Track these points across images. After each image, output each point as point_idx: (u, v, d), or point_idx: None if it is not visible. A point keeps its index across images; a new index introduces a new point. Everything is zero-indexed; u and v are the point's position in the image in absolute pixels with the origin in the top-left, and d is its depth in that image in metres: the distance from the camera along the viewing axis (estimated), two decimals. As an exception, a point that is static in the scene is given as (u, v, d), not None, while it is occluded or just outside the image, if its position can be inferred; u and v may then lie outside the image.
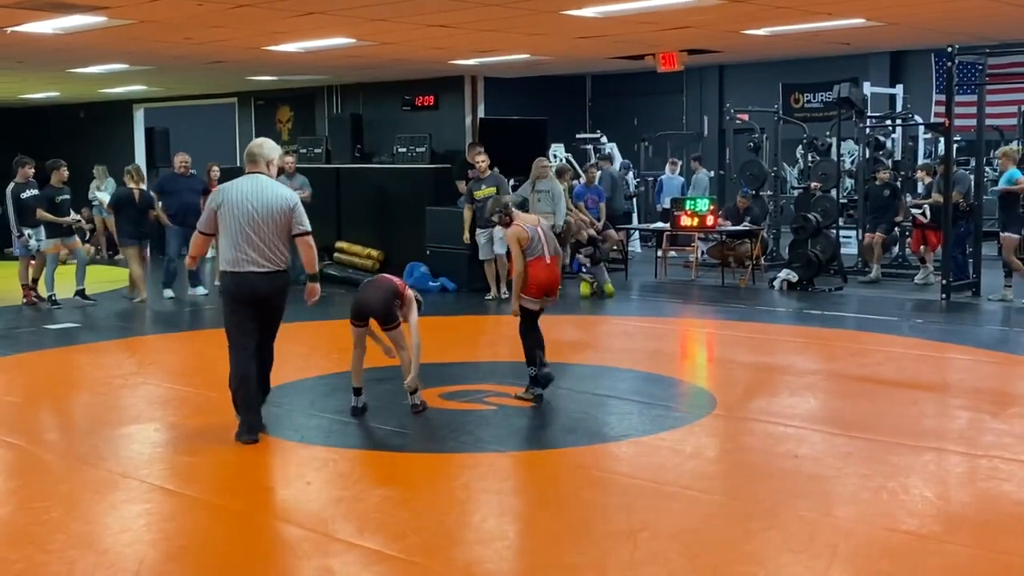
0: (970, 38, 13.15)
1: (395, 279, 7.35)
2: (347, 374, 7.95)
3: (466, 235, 13.00)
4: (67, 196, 12.65)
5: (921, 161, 16.09)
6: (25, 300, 12.66)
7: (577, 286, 13.05)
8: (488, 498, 5.60)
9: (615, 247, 15.52)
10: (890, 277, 14.20)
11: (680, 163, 19.51)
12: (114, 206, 13.57)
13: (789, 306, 12.38)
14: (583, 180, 15.49)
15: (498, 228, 7.96)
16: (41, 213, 12.28)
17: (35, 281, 12.84)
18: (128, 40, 11.94)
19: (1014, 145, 17.28)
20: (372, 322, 7.18)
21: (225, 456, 6.43)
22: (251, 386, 6.63)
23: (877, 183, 14.37)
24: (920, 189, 14.68)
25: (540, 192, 13.10)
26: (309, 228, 6.65)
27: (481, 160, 12.92)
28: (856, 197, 15.76)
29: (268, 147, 6.75)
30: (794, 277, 13.42)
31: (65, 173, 12.79)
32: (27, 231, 12.48)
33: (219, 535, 5.04)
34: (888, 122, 16.78)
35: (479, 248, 12.99)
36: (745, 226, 14.79)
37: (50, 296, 12.48)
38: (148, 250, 12.78)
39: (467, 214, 13.02)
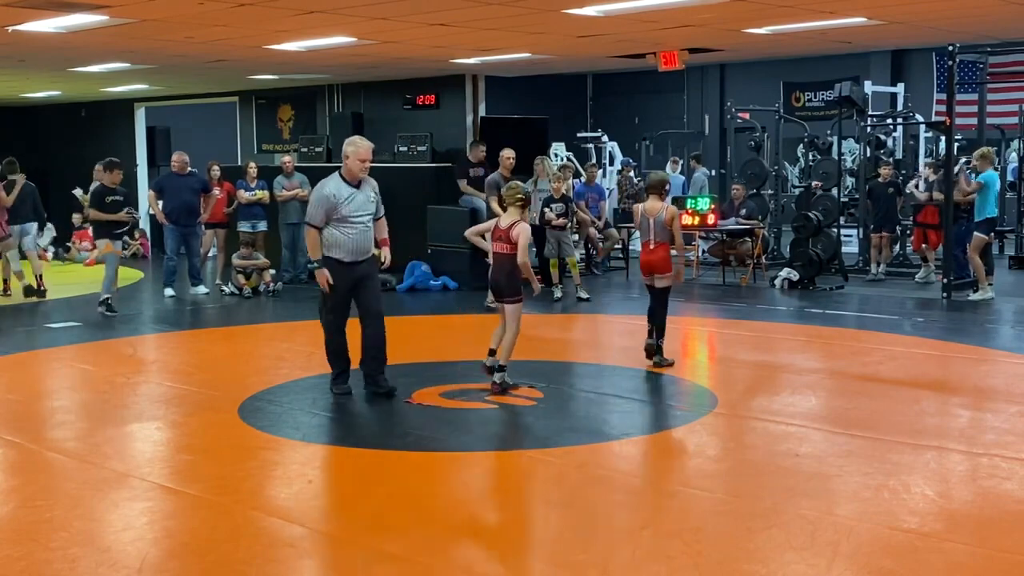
0: (971, 37, 13.14)
1: (505, 247, 7.74)
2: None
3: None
4: (119, 197, 12.16)
5: (923, 160, 16.11)
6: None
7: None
8: (489, 496, 5.61)
9: (616, 245, 15.56)
10: (891, 276, 14.21)
11: (681, 162, 19.54)
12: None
13: (790, 305, 12.38)
14: (583, 179, 15.50)
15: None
16: (95, 213, 11.98)
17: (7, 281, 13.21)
18: (129, 39, 11.94)
19: (1015, 144, 17.33)
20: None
21: (226, 454, 6.44)
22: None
23: (881, 180, 14.38)
24: (922, 187, 14.70)
25: (542, 191, 13.12)
26: (306, 220, 7.61)
27: (510, 160, 12.59)
28: (857, 196, 15.76)
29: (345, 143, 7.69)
30: (795, 276, 13.42)
31: (119, 175, 12.35)
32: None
33: (221, 533, 5.04)
34: (889, 121, 16.78)
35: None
36: (741, 220, 14.77)
37: (106, 299, 11.95)
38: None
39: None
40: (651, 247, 8.72)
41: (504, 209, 7.97)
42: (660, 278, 8.72)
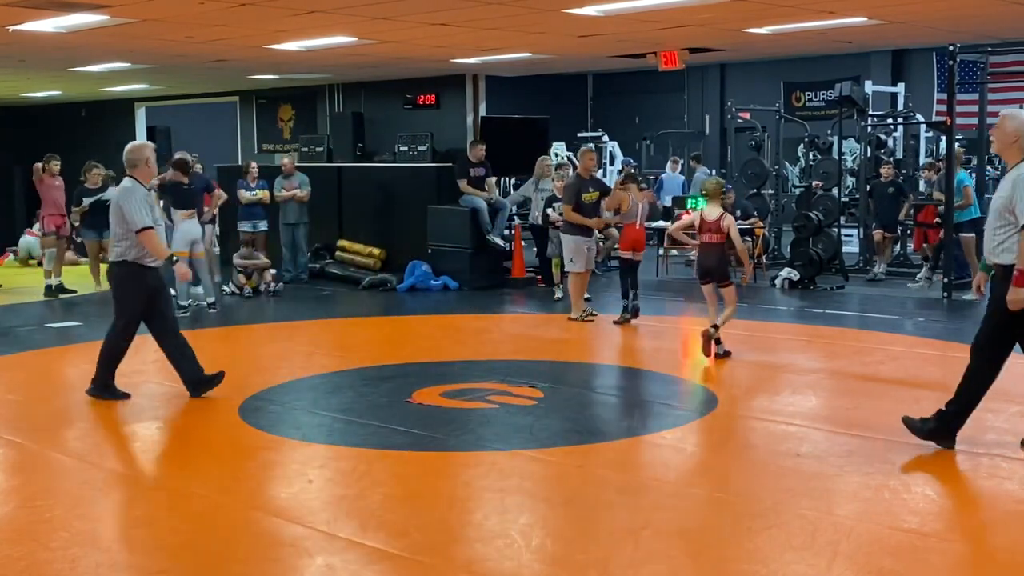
0: (972, 36, 13.14)
1: (715, 237, 8.91)
2: (348, 372, 7.99)
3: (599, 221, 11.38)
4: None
5: (923, 160, 16.10)
6: None
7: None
8: (489, 496, 5.61)
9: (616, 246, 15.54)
10: (891, 275, 14.20)
11: (681, 161, 19.54)
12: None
13: (790, 304, 12.38)
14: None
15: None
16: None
17: None
18: (130, 39, 11.93)
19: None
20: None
21: (226, 454, 6.44)
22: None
23: (882, 180, 14.38)
24: (922, 188, 14.70)
25: (544, 191, 13.12)
26: (144, 224, 7.21)
27: (591, 161, 11.66)
28: (858, 196, 15.76)
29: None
30: (796, 276, 13.42)
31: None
32: None
33: (221, 533, 5.04)
34: (890, 121, 16.78)
35: (574, 258, 11.16)
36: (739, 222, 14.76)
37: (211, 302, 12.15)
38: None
39: (578, 216, 11.06)
40: (637, 227, 10.97)
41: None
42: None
